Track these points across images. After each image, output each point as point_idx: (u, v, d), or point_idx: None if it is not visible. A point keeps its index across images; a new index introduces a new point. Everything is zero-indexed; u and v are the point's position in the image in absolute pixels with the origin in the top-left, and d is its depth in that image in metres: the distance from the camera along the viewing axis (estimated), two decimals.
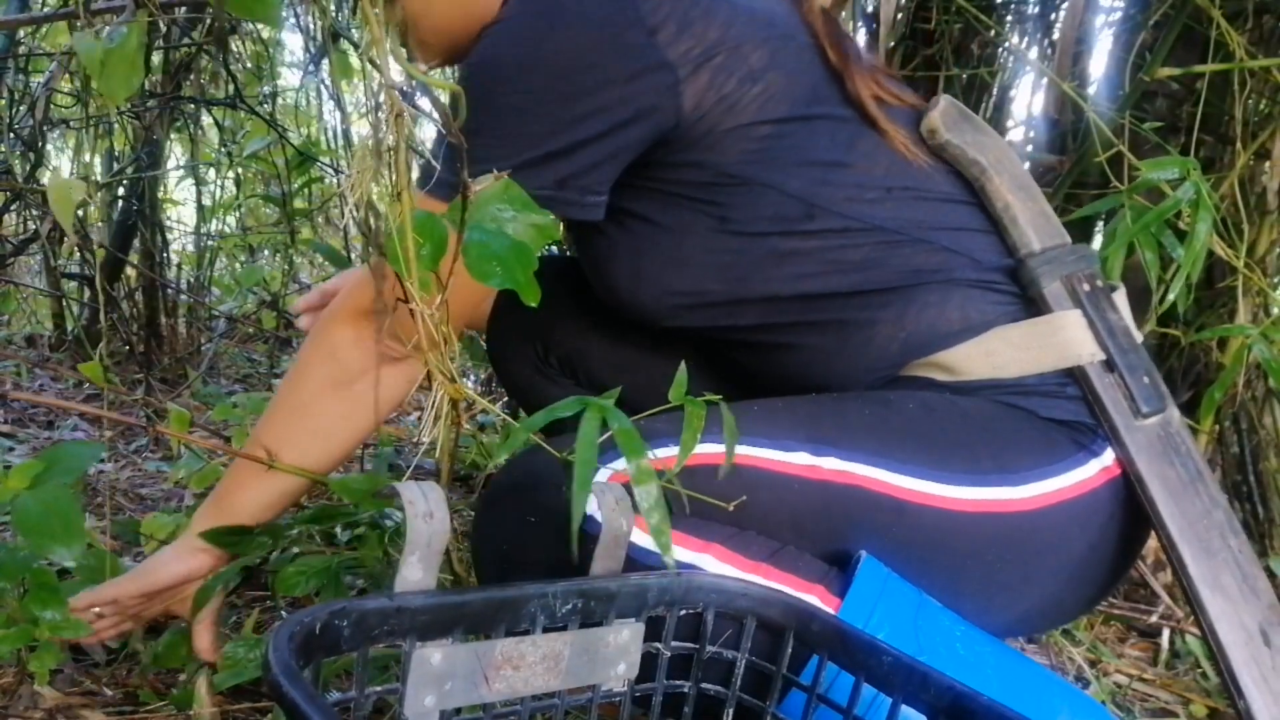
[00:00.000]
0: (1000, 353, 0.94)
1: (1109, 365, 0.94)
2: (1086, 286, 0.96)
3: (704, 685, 0.82)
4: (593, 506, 0.80)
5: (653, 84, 0.89)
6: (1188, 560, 0.93)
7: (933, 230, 0.96)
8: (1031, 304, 0.97)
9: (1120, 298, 1.00)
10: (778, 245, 0.95)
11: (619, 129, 0.89)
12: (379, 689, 0.66)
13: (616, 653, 0.76)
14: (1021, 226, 0.98)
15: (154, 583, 0.93)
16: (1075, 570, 0.94)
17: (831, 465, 0.87)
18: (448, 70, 1.20)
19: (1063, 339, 0.94)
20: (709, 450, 0.86)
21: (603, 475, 0.82)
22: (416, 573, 0.67)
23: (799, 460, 0.87)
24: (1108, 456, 0.94)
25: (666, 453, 0.85)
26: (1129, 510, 0.95)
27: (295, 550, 0.99)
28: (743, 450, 0.86)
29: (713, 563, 0.84)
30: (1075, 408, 0.95)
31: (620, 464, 0.83)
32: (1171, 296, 1.15)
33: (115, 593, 0.92)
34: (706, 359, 1.13)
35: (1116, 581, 1.01)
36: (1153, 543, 1.72)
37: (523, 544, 0.80)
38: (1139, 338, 0.98)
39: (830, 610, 0.84)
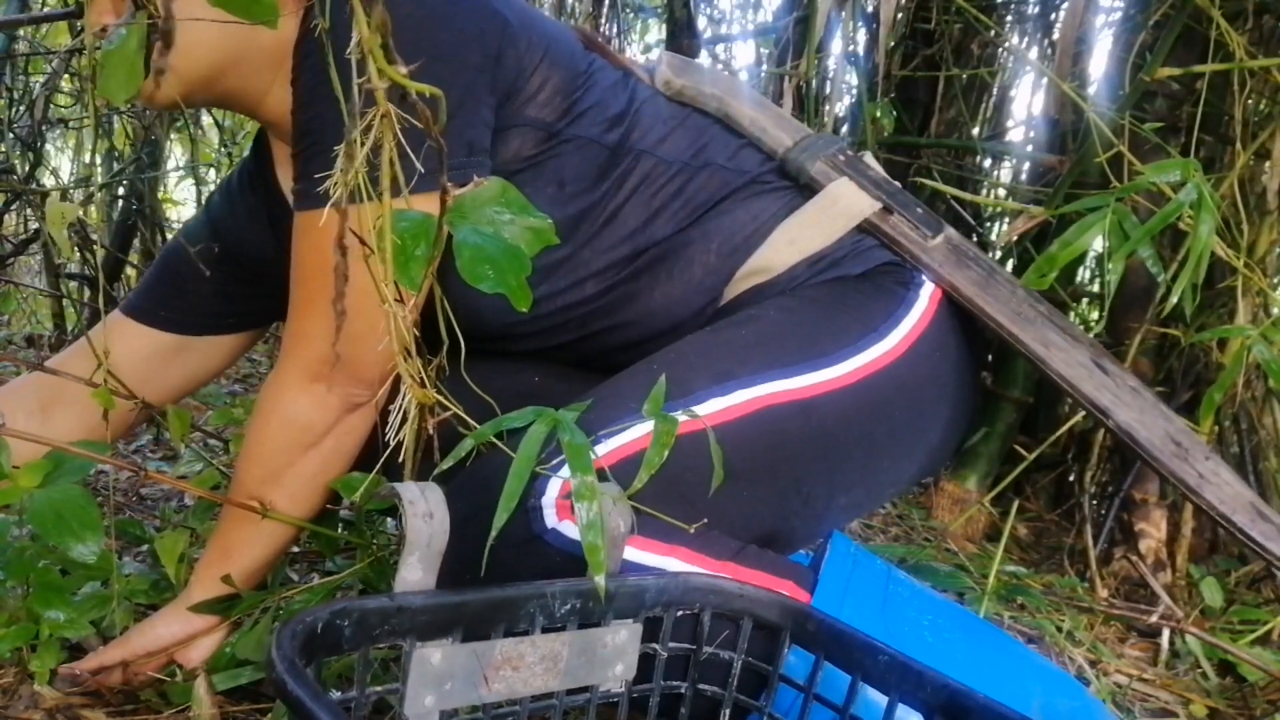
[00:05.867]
0: (800, 237, 1.05)
1: (887, 210, 1.08)
2: (842, 158, 1.10)
3: (700, 686, 0.82)
4: (572, 529, 0.80)
5: (497, 32, 0.94)
6: (1016, 332, 1.07)
7: (708, 154, 1.07)
8: (806, 189, 1.09)
9: (869, 158, 1.13)
10: (609, 196, 1.02)
11: (486, 79, 0.93)
12: (379, 689, 0.66)
13: (614, 653, 0.76)
14: (772, 131, 1.11)
15: (158, 641, 0.93)
16: (954, 388, 1.07)
17: (740, 398, 0.91)
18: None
19: (844, 204, 1.07)
20: (637, 435, 0.86)
21: (555, 484, 0.82)
22: (416, 573, 0.67)
23: (712, 409, 0.90)
24: (928, 285, 1.07)
25: (602, 450, 0.85)
26: (963, 319, 1.09)
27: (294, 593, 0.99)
28: None
29: (679, 565, 0.84)
30: (879, 254, 1.08)
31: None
32: (1174, 299, 1.16)
33: (122, 653, 0.92)
34: (546, 372, 1.12)
35: (980, 383, 1.16)
36: (1153, 543, 1.73)
37: (491, 567, 0.80)
38: (896, 183, 1.12)
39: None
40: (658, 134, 1.05)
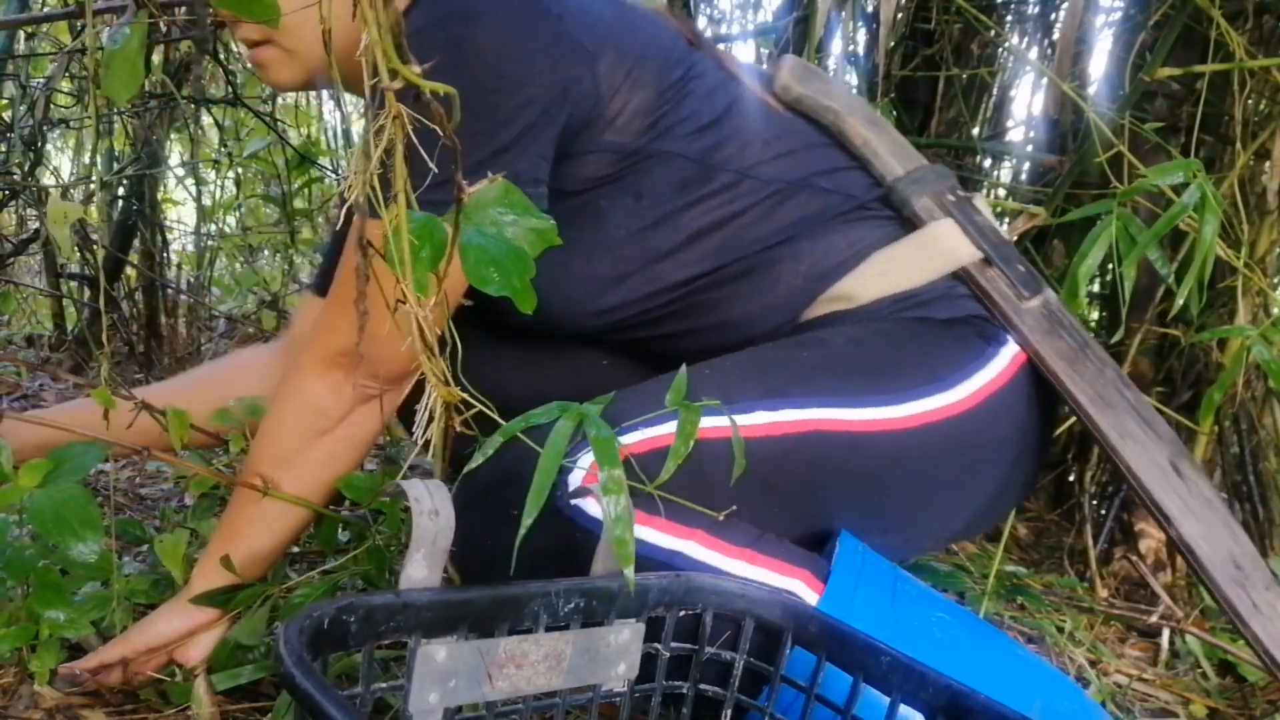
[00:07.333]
0: (891, 271, 1.02)
1: (987, 261, 1.03)
2: (951, 197, 1.05)
3: (702, 686, 0.82)
4: (594, 507, 0.80)
5: (571, 62, 0.92)
6: (1095, 416, 1.02)
7: (811, 175, 1.04)
8: (908, 222, 1.05)
9: (980, 201, 1.08)
10: (690, 210, 1.00)
11: (551, 113, 0.92)
12: (384, 685, 0.66)
13: (617, 653, 0.76)
14: (883, 157, 1.06)
15: (160, 638, 0.93)
16: (1014, 453, 1.02)
17: (788, 416, 0.90)
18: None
19: (943, 246, 1.03)
20: (670, 429, 0.85)
21: (577, 474, 0.82)
22: (421, 570, 0.67)
23: (758, 420, 0.89)
24: (1012, 345, 1.02)
25: (635, 438, 0.85)
26: (1041, 388, 1.04)
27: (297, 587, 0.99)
28: (703, 422, 0.86)
29: (696, 549, 0.84)
30: (969, 304, 1.04)
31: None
32: (1180, 301, 1.16)
33: (122, 651, 0.92)
34: (615, 358, 1.13)
35: (1046, 456, 1.13)
36: (1153, 543, 1.73)
37: (506, 538, 0.80)
38: (1006, 234, 1.07)
39: (815, 595, 0.85)
40: (754, 147, 1.02)
